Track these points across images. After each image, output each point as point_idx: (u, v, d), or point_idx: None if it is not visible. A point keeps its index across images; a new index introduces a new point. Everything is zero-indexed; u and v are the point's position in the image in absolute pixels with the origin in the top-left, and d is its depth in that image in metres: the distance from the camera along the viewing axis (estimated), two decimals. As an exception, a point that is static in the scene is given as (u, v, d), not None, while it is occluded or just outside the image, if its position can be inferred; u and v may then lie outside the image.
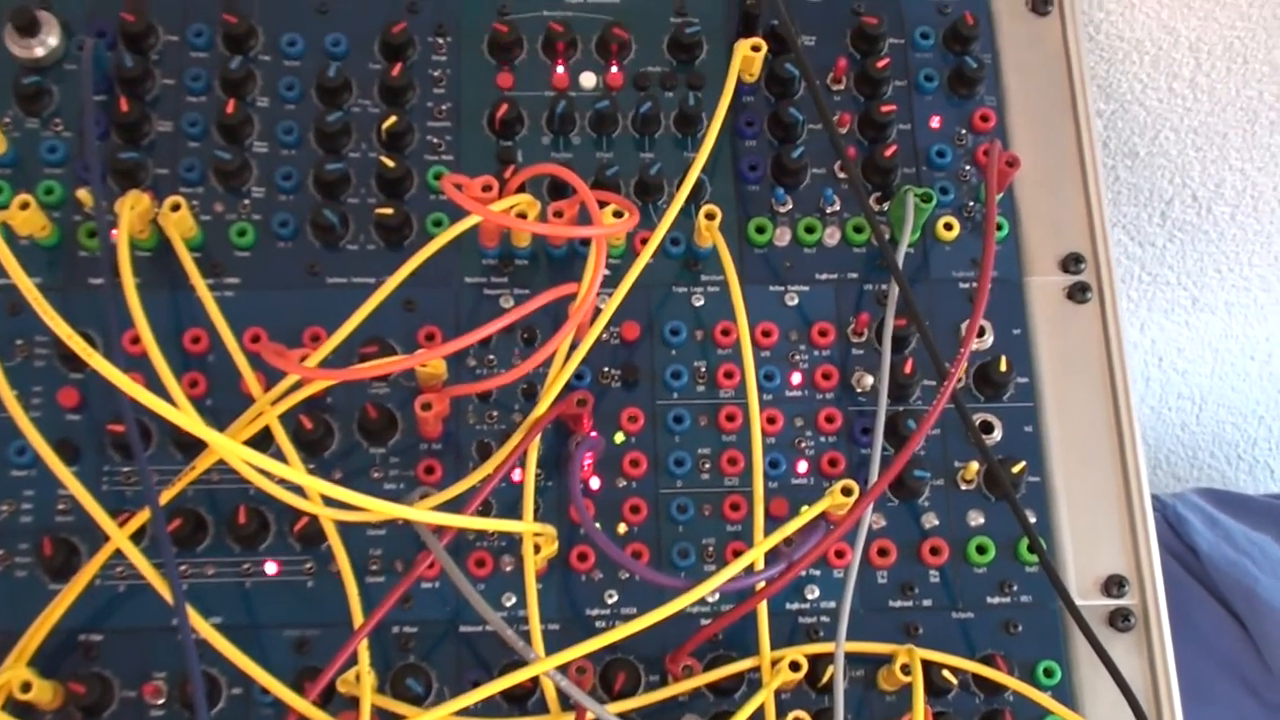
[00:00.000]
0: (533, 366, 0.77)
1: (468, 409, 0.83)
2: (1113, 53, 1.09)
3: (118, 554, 0.77)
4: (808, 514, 0.77)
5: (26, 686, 0.72)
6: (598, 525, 0.79)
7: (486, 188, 0.79)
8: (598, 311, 0.82)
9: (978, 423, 0.83)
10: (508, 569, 0.80)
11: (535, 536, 0.76)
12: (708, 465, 0.83)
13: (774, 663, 0.77)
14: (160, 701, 0.77)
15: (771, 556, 0.77)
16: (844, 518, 0.76)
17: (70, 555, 0.79)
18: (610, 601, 0.80)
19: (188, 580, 0.79)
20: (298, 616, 0.79)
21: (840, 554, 0.81)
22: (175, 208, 0.82)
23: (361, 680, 0.74)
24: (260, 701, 0.77)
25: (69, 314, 0.80)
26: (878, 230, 0.82)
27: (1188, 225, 1.32)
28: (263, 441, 0.80)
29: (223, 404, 0.82)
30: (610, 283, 0.83)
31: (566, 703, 0.76)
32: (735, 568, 0.75)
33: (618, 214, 0.80)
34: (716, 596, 0.80)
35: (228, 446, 0.69)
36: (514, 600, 0.80)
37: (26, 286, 0.70)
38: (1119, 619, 0.81)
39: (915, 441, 0.75)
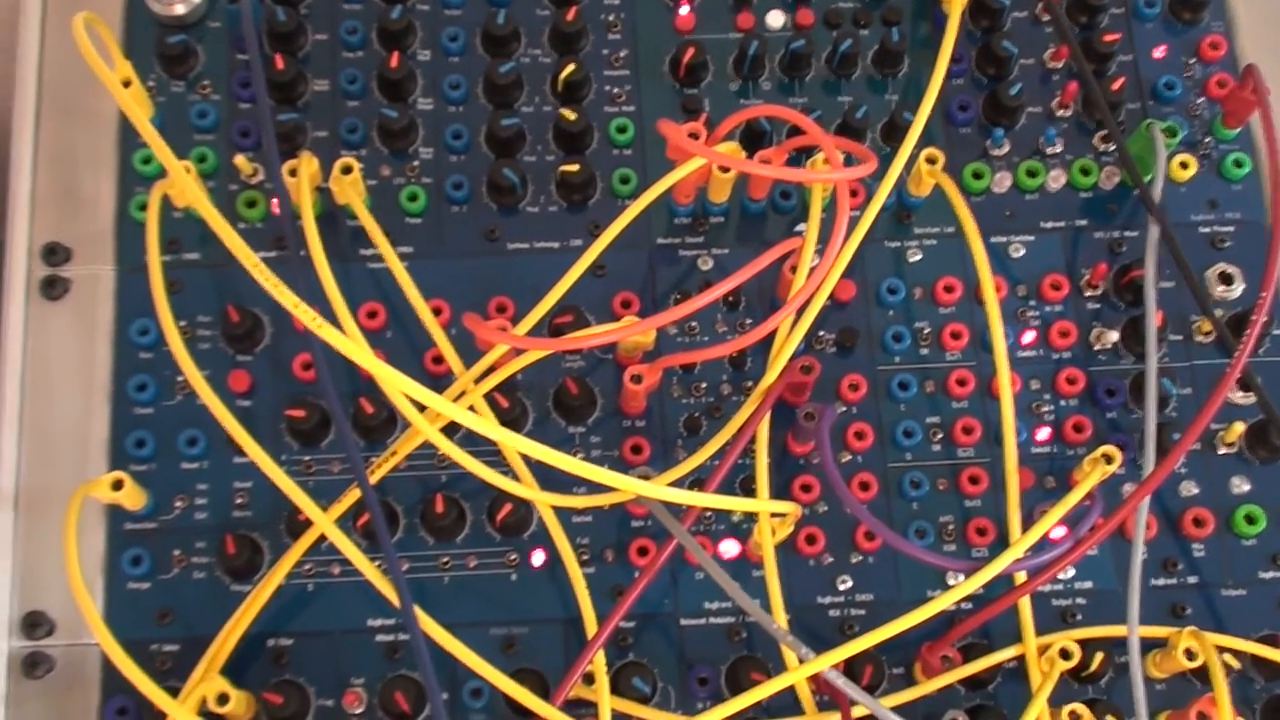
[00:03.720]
0: (765, 332, 0.70)
1: (672, 381, 0.76)
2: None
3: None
4: (1079, 490, 0.69)
5: (223, 698, 0.66)
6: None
7: (694, 135, 0.72)
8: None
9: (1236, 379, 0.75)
10: (727, 556, 0.73)
11: (777, 517, 0.69)
12: (939, 435, 0.76)
13: (1040, 650, 0.70)
14: (360, 710, 0.70)
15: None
16: (1128, 499, 0.68)
17: (254, 554, 0.72)
18: (844, 588, 0.73)
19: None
20: (502, 613, 0.72)
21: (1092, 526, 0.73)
22: (347, 170, 0.74)
23: (598, 682, 0.67)
24: (469, 706, 0.70)
25: (233, 292, 0.74)
26: (1135, 171, 0.74)
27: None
28: (451, 426, 0.73)
29: (403, 384, 0.74)
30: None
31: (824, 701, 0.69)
32: (1019, 548, 0.67)
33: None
34: (959, 579, 0.72)
35: (497, 433, 0.63)
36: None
37: (250, 259, 0.64)
38: (1405, 591, 0.74)
39: (1208, 414, 0.67)
